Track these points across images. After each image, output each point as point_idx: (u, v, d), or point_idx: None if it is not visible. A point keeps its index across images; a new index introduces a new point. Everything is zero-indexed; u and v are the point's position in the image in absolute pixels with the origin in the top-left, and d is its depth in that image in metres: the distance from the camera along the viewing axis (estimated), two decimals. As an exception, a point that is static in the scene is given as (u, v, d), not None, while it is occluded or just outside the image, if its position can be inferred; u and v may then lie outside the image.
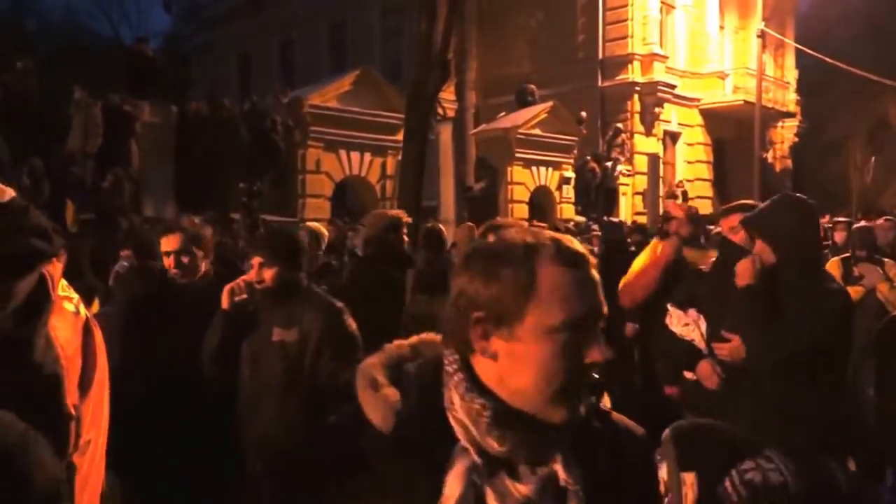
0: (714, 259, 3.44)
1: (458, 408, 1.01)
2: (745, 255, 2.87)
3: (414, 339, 1.14)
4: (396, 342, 1.13)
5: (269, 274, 2.70)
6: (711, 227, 8.13)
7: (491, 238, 1.05)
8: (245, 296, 2.71)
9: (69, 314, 1.44)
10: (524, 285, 0.98)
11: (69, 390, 1.38)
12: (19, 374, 1.28)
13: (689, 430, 1.82)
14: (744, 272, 2.74)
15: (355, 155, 13.10)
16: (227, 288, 2.71)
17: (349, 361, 2.54)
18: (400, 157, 12.16)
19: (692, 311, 3.38)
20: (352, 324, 2.72)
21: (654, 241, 3.77)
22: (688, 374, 3.28)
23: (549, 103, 15.59)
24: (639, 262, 3.76)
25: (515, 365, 0.99)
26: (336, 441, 1.10)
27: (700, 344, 3.26)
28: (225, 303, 2.70)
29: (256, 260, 2.76)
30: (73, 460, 1.40)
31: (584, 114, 16.91)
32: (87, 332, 1.49)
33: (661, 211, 16.50)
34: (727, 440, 1.86)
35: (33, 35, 27.65)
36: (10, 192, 1.32)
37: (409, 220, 4.30)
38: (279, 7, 23.80)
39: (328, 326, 2.64)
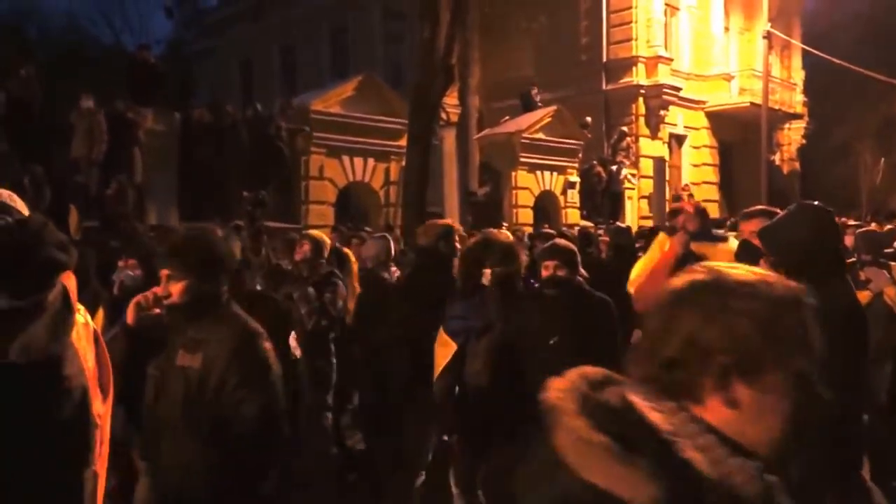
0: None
1: (710, 470, 0.89)
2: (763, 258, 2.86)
3: (570, 383, 0.98)
4: (560, 388, 0.97)
5: (176, 288, 2.30)
6: (719, 230, 8.07)
7: (699, 275, 0.97)
8: (157, 310, 2.35)
9: (80, 325, 1.48)
10: (777, 326, 0.92)
11: (93, 400, 1.41)
12: (56, 390, 1.32)
13: None
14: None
15: (358, 161, 13.04)
16: (134, 300, 2.39)
17: (258, 390, 2.24)
18: (403, 163, 12.11)
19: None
20: (266, 349, 2.32)
21: (660, 236, 3.71)
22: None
23: (554, 107, 15.52)
24: (646, 262, 3.69)
25: (760, 413, 0.93)
26: None
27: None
28: (129, 317, 2.35)
29: (164, 271, 2.36)
30: (96, 469, 1.42)
31: (589, 119, 16.83)
32: (96, 341, 1.54)
33: (667, 214, 16.40)
34: None
35: (35, 42, 27.69)
36: (23, 206, 1.38)
37: (460, 227, 4.34)
38: (280, 12, 23.85)
39: (236, 353, 2.24)
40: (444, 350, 3.52)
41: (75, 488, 1.36)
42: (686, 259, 3.58)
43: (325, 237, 5.56)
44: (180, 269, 2.31)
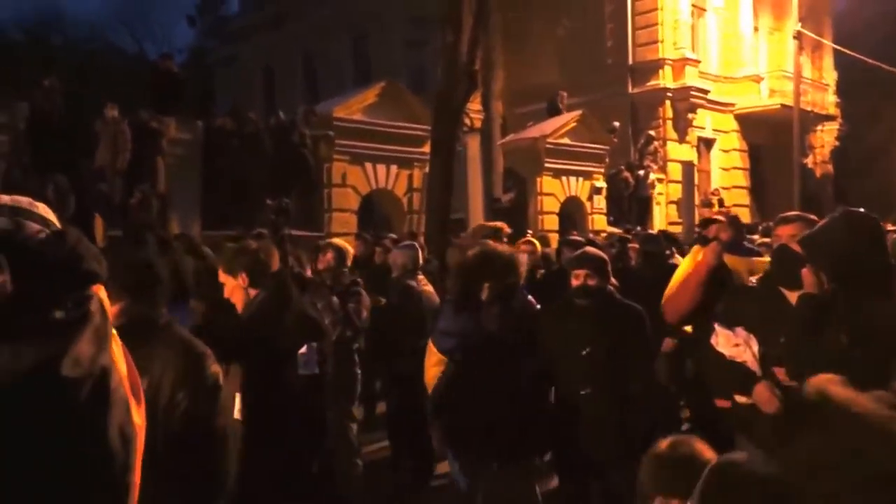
0: (763, 274, 3.19)
1: None
2: (802, 264, 2.70)
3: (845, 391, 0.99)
4: (854, 397, 0.99)
5: (112, 310, 2.31)
6: (753, 236, 7.80)
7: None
8: None
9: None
10: None
11: (132, 409, 1.43)
12: (105, 402, 1.32)
13: (726, 472, 1.50)
14: (807, 279, 2.65)
15: (381, 168, 12.96)
16: None
17: (207, 411, 2.19)
18: (427, 170, 11.99)
19: (740, 331, 3.14)
20: (214, 369, 2.26)
21: (694, 248, 3.62)
22: (741, 399, 3.03)
23: (579, 112, 15.31)
24: (679, 274, 3.59)
25: None
26: None
27: (753, 366, 3.00)
28: None
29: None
30: (135, 478, 1.43)
31: (616, 123, 16.58)
32: (125, 351, 1.52)
33: (696, 220, 16.09)
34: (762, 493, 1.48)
35: (57, 49, 27.98)
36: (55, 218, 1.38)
37: (510, 231, 4.19)
38: (302, 19, 23.96)
39: (184, 374, 2.18)
40: (437, 371, 3.34)
41: (121, 497, 1.39)
42: (720, 270, 3.44)
43: (348, 246, 5.46)
44: (115, 289, 2.21)
